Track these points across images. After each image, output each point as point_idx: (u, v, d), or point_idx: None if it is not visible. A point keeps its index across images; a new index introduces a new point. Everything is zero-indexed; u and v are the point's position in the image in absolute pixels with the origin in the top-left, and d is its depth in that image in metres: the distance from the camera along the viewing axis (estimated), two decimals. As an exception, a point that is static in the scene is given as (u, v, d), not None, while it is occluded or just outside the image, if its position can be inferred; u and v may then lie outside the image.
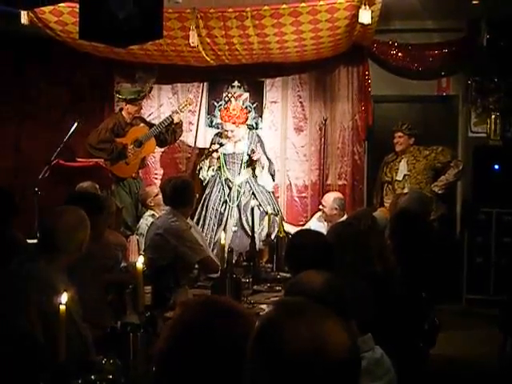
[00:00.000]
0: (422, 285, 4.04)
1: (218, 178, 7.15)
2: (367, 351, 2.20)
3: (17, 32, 6.92)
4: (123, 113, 7.24)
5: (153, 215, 6.41)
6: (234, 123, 7.06)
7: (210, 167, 7.13)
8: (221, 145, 7.06)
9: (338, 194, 6.55)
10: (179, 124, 7.36)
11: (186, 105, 7.36)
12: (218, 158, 7.12)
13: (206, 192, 7.14)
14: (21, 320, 2.82)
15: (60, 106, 7.96)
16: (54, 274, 2.94)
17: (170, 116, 7.28)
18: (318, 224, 6.33)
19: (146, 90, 7.50)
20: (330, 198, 6.31)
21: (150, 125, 7.40)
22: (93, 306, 3.37)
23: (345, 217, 6.40)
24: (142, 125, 7.35)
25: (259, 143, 7.16)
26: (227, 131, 7.07)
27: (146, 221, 6.39)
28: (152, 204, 6.61)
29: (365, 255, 3.39)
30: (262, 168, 7.00)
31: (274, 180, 7.22)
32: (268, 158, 7.15)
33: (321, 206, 6.43)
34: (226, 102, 7.60)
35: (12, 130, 7.98)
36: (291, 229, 6.08)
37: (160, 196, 6.48)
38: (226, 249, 4.46)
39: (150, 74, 7.63)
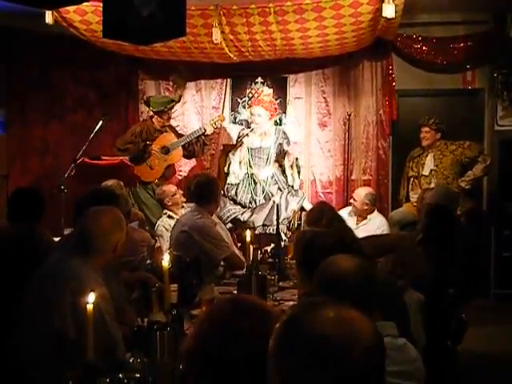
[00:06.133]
0: (450, 281, 4.01)
1: (243, 174, 7.16)
2: (386, 336, 2.17)
3: (42, 32, 6.96)
4: (154, 120, 7.23)
5: (169, 216, 6.34)
6: (263, 107, 7.09)
7: (241, 162, 7.12)
8: (251, 130, 7.09)
9: (369, 190, 6.58)
10: (209, 136, 7.35)
11: (217, 120, 7.34)
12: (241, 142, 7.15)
13: (232, 183, 7.14)
14: (56, 317, 2.86)
15: (86, 106, 8.00)
16: (89, 273, 2.96)
17: (202, 127, 7.24)
18: (347, 218, 6.30)
19: (176, 99, 7.46)
20: (362, 193, 6.33)
21: (179, 135, 7.36)
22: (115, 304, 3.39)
23: (375, 212, 6.41)
24: (171, 133, 7.32)
25: (285, 140, 7.16)
26: (254, 115, 7.08)
27: (162, 222, 6.34)
28: (170, 203, 6.44)
29: None
30: (291, 167, 7.02)
31: (299, 177, 7.22)
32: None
33: (352, 200, 6.43)
34: (257, 91, 7.60)
35: (39, 130, 8.04)
36: None
37: (177, 195, 6.45)
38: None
39: (183, 78, 7.62)
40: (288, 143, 7.18)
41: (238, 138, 7.30)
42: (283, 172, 7.10)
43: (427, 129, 7.02)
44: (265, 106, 7.13)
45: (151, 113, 7.25)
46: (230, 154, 7.28)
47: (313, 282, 2.36)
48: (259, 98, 7.30)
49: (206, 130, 7.19)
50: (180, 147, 7.23)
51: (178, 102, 7.55)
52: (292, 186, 7.09)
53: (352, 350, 1.27)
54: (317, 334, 1.29)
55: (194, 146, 7.29)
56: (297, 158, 7.17)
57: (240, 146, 7.17)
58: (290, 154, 7.04)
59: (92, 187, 4.40)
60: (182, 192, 6.58)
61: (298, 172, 7.16)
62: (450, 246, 4.27)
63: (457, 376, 3.80)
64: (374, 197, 6.42)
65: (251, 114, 7.19)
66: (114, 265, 3.74)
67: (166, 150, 7.15)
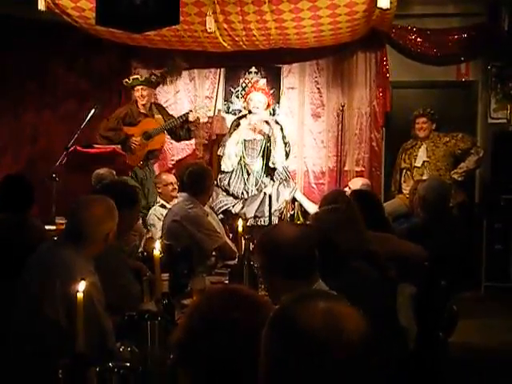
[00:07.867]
0: (441, 273, 4.01)
1: (237, 164, 7.14)
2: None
3: (35, 20, 6.89)
4: (138, 104, 7.21)
5: (162, 205, 6.33)
6: (263, 93, 7.11)
7: (237, 142, 7.09)
8: (250, 112, 7.08)
9: (365, 180, 6.61)
10: (195, 122, 7.33)
11: (203, 107, 7.34)
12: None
13: (224, 173, 7.13)
14: (46, 306, 2.84)
15: (78, 94, 7.95)
16: (79, 261, 2.94)
17: (185, 114, 7.22)
18: None
19: (160, 80, 7.49)
20: (358, 183, 6.35)
21: (169, 115, 7.36)
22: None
23: None
24: (156, 117, 7.29)
25: (279, 127, 7.14)
26: (253, 100, 7.09)
27: (154, 211, 6.33)
28: (160, 190, 6.51)
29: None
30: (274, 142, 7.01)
31: (286, 158, 7.21)
32: (285, 143, 7.15)
33: (346, 189, 6.43)
34: (251, 80, 7.63)
35: (31, 119, 7.98)
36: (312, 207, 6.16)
37: (170, 187, 6.42)
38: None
39: (177, 69, 7.60)
40: (282, 130, 7.16)
41: (237, 118, 7.28)
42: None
43: (425, 119, 7.02)
44: (263, 91, 7.17)
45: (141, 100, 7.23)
46: (226, 136, 7.24)
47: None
48: (258, 86, 7.30)
49: (188, 117, 7.16)
50: (163, 132, 7.23)
51: (163, 82, 7.57)
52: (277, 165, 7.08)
53: (334, 345, 1.26)
54: (303, 327, 1.29)
55: (179, 132, 7.30)
56: (284, 136, 7.14)
57: (235, 128, 7.14)
58: (272, 129, 7.03)
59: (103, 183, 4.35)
60: (176, 187, 6.55)
61: (286, 144, 7.14)
62: (444, 237, 4.28)
63: (448, 368, 3.80)
64: (369, 188, 6.43)
65: (250, 99, 7.15)
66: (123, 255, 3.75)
67: (147, 136, 7.12)
